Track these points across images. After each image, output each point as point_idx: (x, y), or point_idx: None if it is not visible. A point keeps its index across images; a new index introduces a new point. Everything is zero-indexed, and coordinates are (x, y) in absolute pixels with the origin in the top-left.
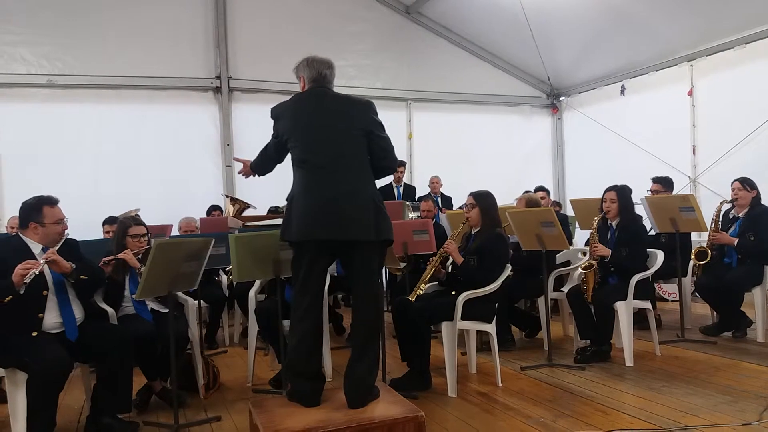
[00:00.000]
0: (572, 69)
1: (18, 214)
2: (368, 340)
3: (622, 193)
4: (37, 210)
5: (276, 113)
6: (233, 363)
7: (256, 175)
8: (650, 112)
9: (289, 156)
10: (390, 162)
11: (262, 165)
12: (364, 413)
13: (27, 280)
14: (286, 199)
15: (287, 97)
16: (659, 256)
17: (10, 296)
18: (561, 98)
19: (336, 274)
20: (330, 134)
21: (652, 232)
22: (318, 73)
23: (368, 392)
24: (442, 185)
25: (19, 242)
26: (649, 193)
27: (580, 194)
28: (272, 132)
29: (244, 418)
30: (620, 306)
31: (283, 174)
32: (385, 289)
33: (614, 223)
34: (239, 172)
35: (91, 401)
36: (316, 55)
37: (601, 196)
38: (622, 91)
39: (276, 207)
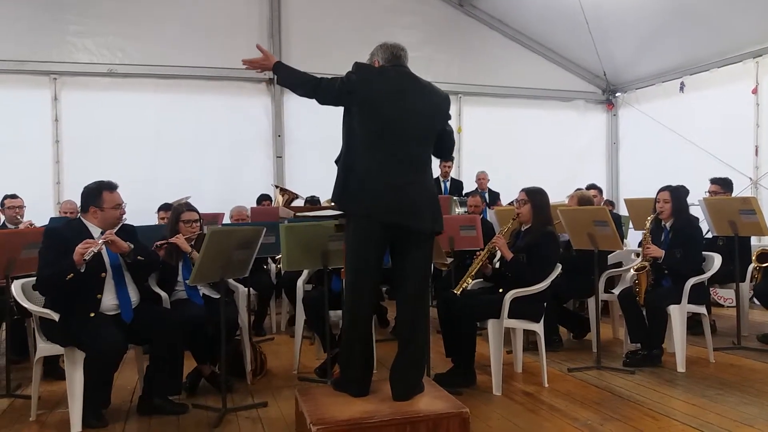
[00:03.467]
0: (629, 64)
1: (80, 198)
2: (414, 333)
3: (676, 193)
4: (97, 194)
5: (365, 72)
6: (280, 350)
7: (266, 71)
8: (711, 111)
9: (335, 113)
10: (449, 154)
11: (302, 87)
12: (409, 407)
13: (87, 258)
14: (336, 161)
15: None
16: (716, 260)
17: (72, 274)
18: (617, 94)
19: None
20: (415, 120)
21: (709, 235)
22: (393, 54)
23: (414, 386)
24: (489, 180)
25: (80, 225)
26: (707, 194)
27: (635, 194)
28: (346, 81)
29: (290, 404)
30: (674, 310)
31: (334, 169)
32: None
33: (668, 225)
34: (243, 61)
35: (144, 382)
36: (388, 40)
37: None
38: (682, 88)
39: (312, 197)
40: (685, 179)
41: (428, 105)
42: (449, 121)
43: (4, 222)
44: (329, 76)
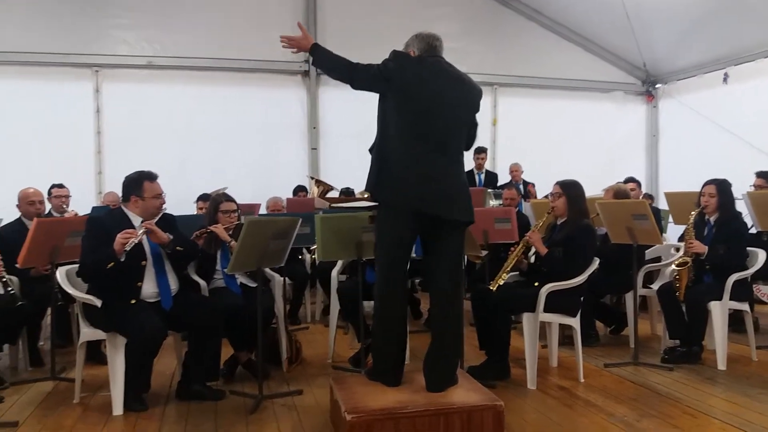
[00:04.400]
0: (670, 54)
1: (121, 188)
2: (446, 325)
3: (723, 187)
4: (138, 184)
5: (402, 60)
6: (314, 339)
7: (303, 52)
8: (756, 102)
9: (370, 105)
10: (468, 146)
11: (336, 70)
12: (443, 398)
13: (127, 248)
14: (369, 150)
15: None
16: (760, 256)
17: (112, 263)
18: (657, 85)
19: (415, 256)
20: (448, 110)
21: (753, 230)
22: (428, 44)
23: (448, 377)
24: (523, 172)
25: (121, 214)
26: (752, 188)
27: (675, 187)
28: (383, 69)
29: (324, 392)
30: (714, 306)
31: (368, 162)
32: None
33: (712, 219)
34: (281, 39)
35: (182, 368)
36: (423, 30)
37: (699, 190)
38: (725, 79)
39: (347, 188)
40: (727, 172)
41: (461, 96)
42: (477, 114)
43: (50, 210)
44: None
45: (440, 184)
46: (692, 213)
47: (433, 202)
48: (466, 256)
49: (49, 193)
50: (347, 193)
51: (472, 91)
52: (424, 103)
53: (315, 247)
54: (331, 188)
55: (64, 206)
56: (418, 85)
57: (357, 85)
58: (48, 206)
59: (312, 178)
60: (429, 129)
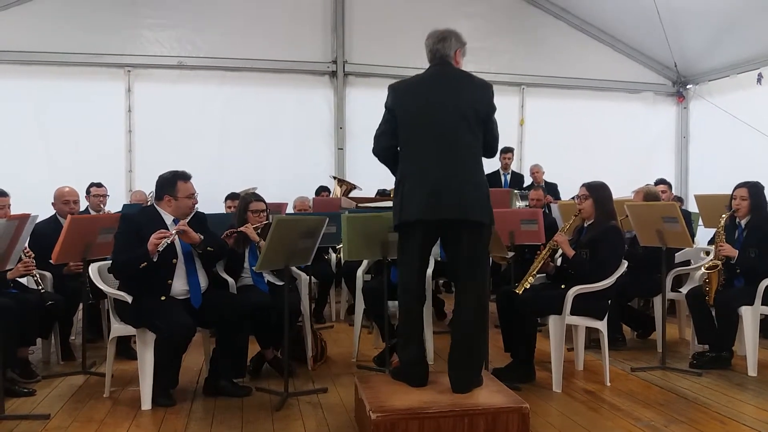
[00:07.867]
0: (702, 55)
1: (154, 186)
2: (466, 326)
3: (755, 190)
4: (172, 184)
5: (394, 90)
6: (339, 338)
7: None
8: None
9: None
10: (494, 149)
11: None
12: (468, 399)
13: (160, 249)
14: (395, 185)
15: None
16: None
17: (145, 263)
18: (688, 86)
19: (439, 259)
20: (438, 113)
21: None
22: (431, 52)
23: (472, 378)
24: (544, 173)
25: (153, 212)
26: None
27: (705, 190)
28: (385, 111)
29: (349, 391)
30: (745, 311)
31: None
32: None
33: (743, 222)
34: None
35: (210, 365)
36: (430, 32)
37: (730, 193)
38: (759, 80)
39: (384, 189)
40: (759, 176)
41: (459, 98)
42: (493, 116)
43: (87, 208)
44: (391, 68)
45: (434, 187)
46: (723, 216)
47: (434, 207)
48: (491, 258)
49: (88, 192)
50: (383, 194)
51: (472, 89)
52: (413, 112)
53: (341, 246)
54: (354, 187)
55: (102, 205)
56: (408, 101)
57: (375, 151)
58: (84, 204)
59: (334, 178)
60: (422, 136)
